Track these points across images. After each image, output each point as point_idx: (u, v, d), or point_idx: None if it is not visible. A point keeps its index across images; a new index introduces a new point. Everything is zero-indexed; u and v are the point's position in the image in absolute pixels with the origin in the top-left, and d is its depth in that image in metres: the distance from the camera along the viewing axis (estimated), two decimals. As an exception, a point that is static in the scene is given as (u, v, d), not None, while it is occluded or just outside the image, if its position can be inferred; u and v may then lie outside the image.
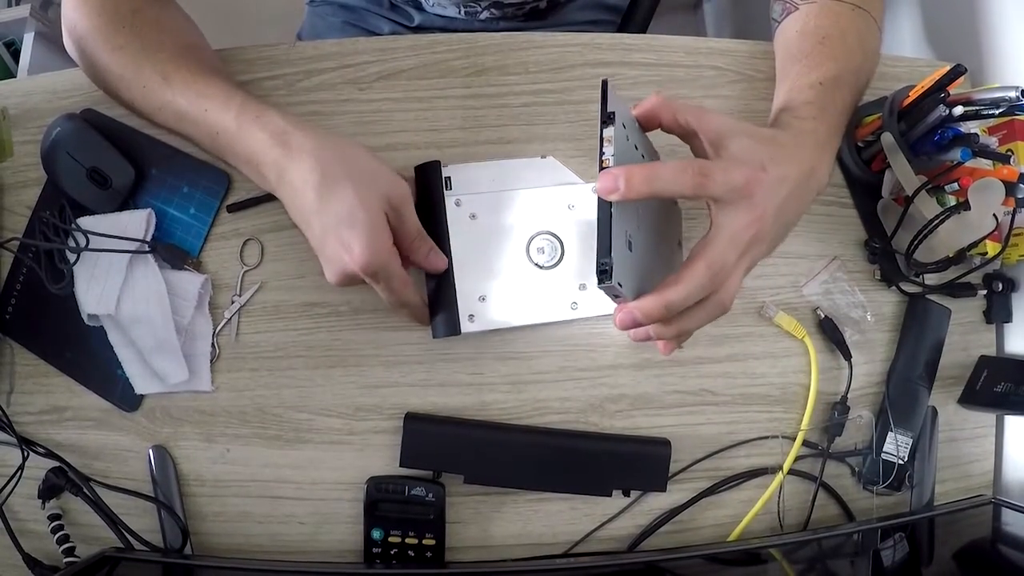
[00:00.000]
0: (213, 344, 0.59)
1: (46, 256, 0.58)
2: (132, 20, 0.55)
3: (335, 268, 0.49)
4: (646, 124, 0.48)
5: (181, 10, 0.60)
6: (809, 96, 0.53)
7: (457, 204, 0.57)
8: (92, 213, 0.59)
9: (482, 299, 0.56)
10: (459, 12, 0.79)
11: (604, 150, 0.44)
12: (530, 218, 0.57)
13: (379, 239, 0.48)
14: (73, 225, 0.58)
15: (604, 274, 0.43)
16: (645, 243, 0.49)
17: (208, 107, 0.52)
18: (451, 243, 0.56)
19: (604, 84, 0.45)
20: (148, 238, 0.59)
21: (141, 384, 0.59)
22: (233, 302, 0.60)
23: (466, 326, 0.56)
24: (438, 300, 0.57)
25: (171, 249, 0.59)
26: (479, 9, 0.78)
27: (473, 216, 0.57)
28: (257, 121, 0.50)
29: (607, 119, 0.44)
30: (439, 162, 0.58)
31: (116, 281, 0.57)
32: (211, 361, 0.59)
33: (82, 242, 0.58)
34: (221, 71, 0.56)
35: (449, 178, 0.57)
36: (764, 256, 0.49)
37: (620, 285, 0.43)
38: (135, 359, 0.58)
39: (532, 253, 0.57)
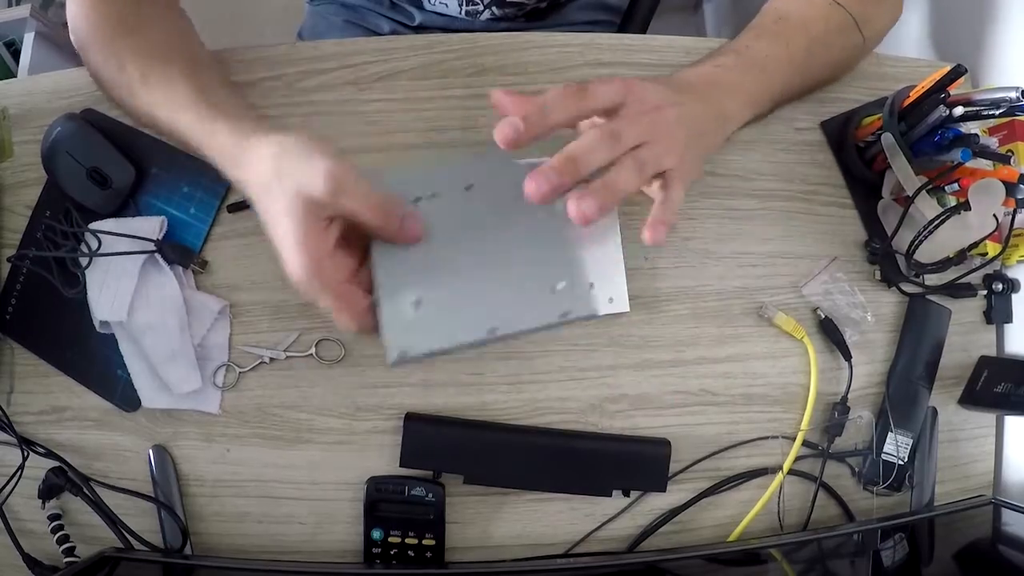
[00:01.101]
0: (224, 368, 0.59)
1: (56, 262, 0.59)
2: (124, 20, 0.55)
3: (288, 268, 0.43)
4: (533, 137, 0.42)
5: (178, 15, 0.60)
6: (721, 53, 0.56)
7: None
8: (93, 213, 0.59)
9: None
10: (460, 11, 0.79)
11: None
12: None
13: (302, 255, 0.41)
14: (81, 228, 0.58)
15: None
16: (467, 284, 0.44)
17: (176, 117, 0.52)
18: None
19: None
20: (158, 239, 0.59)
21: (148, 397, 0.59)
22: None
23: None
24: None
25: (177, 248, 0.59)
26: (480, 8, 0.78)
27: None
28: (210, 137, 0.50)
29: None
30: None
31: (128, 286, 0.58)
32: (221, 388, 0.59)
33: (92, 244, 0.58)
34: (199, 75, 0.54)
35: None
36: (683, 156, 0.46)
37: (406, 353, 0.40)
38: (145, 371, 0.58)
39: None
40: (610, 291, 0.48)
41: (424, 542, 0.58)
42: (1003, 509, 0.61)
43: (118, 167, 0.59)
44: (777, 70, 0.57)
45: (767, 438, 0.62)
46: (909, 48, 0.79)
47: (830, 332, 0.62)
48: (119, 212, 0.60)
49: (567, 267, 0.46)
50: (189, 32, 0.60)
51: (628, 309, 0.51)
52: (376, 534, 0.58)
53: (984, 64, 0.68)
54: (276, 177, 0.43)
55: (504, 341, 0.45)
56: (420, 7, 0.80)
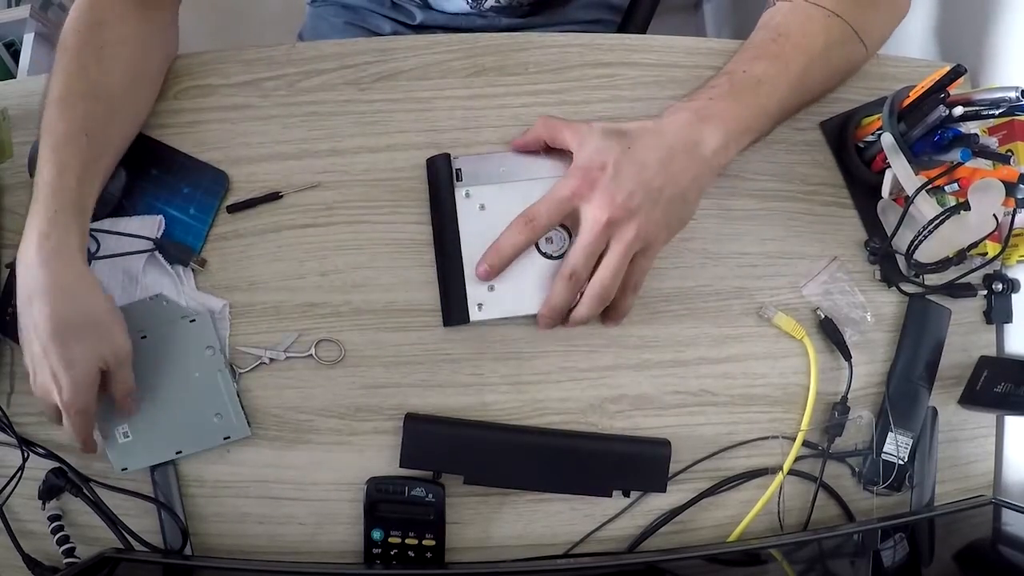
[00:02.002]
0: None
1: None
2: (88, 32, 0.55)
3: (42, 393, 0.52)
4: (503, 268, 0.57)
5: (159, 34, 0.60)
6: (721, 81, 0.57)
7: (467, 195, 0.58)
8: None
9: (491, 288, 0.57)
10: (466, 2, 0.78)
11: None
12: None
13: (85, 390, 0.51)
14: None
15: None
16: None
17: (43, 167, 0.52)
18: (461, 233, 0.57)
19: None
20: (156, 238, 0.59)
21: None
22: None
23: (475, 314, 0.57)
24: (448, 290, 0.58)
25: (177, 247, 0.59)
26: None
27: (482, 207, 0.58)
28: (46, 219, 0.51)
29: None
30: (449, 154, 0.59)
31: (131, 291, 0.58)
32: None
33: (91, 245, 0.58)
34: (94, 137, 0.54)
35: (459, 170, 0.58)
36: (656, 232, 0.53)
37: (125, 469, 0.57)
38: None
39: (540, 243, 0.57)
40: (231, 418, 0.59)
41: (424, 542, 0.58)
42: (1003, 509, 0.61)
43: (108, 172, 0.59)
44: (774, 92, 0.57)
45: (767, 438, 0.62)
46: (909, 48, 0.79)
47: (830, 332, 0.62)
48: (114, 215, 0.60)
49: (221, 402, 0.58)
50: (156, 60, 0.60)
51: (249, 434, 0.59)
52: (376, 534, 0.58)
53: (984, 64, 0.68)
54: (82, 327, 0.51)
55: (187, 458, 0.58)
56: (424, 7, 0.80)
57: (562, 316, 0.56)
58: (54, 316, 0.50)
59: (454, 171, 0.58)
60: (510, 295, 0.57)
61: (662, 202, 0.53)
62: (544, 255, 0.57)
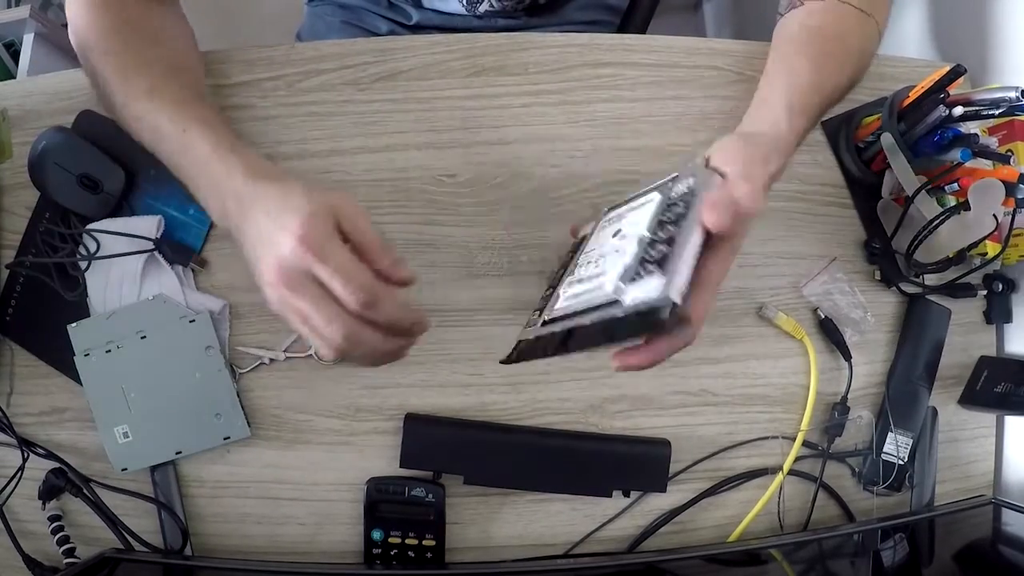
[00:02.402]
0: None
1: (56, 266, 0.59)
2: (128, 29, 0.54)
3: (273, 259, 0.42)
4: None
5: (181, 22, 0.60)
6: (806, 101, 0.54)
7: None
8: (87, 219, 0.59)
9: None
10: (461, 4, 0.78)
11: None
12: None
13: (318, 218, 0.42)
14: (78, 229, 0.58)
15: None
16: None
17: (187, 127, 0.51)
18: None
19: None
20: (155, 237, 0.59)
21: None
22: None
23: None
24: None
25: (176, 247, 0.59)
26: (479, 1, 0.78)
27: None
28: (232, 151, 0.49)
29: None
30: None
31: (131, 290, 0.58)
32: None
33: (91, 245, 0.58)
34: (205, 97, 0.56)
35: None
36: None
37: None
38: None
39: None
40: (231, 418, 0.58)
41: (424, 543, 0.58)
42: (1003, 509, 0.61)
43: (107, 171, 0.59)
44: (821, 100, 0.55)
45: (767, 438, 0.62)
46: (909, 48, 0.79)
47: (830, 332, 0.62)
48: (113, 216, 0.60)
49: (221, 402, 0.58)
50: (187, 45, 0.59)
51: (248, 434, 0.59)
52: (376, 535, 0.58)
53: (984, 64, 0.68)
54: (304, 190, 0.44)
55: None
56: (417, 6, 0.80)
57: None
58: (281, 198, 0.44)
59: None
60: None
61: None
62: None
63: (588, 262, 0.48)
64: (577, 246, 0.53)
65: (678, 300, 0.37)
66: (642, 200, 0.49)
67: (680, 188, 0.46)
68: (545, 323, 0.47)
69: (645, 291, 0.39)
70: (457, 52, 0.63)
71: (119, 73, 0.54)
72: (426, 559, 0.58)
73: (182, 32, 0.59)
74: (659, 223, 0.44)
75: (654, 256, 0.41)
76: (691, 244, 0.40)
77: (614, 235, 0.47)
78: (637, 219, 0.47)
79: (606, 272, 0.44)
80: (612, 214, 0.51)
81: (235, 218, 0.47)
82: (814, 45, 0.57)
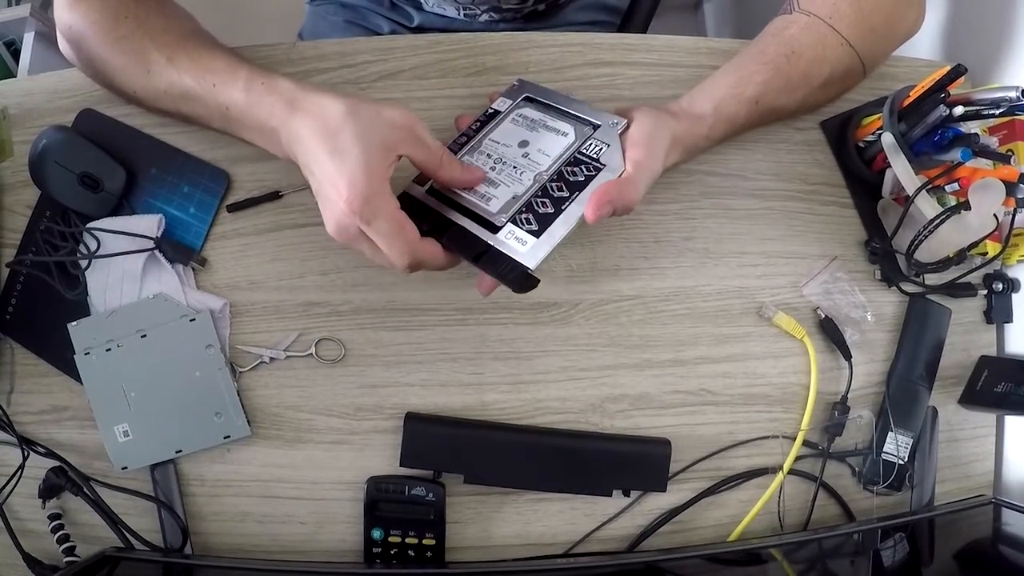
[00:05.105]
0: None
1: (56, 264, 0.59)
2: (135, 11, 0.54)
3: (330, 214, 0.47)
4: None
5: (178, 4, 0.60)
6: (736, 111, 0.57)
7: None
8: (88, 218, 0.59)
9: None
10: (458, 13, 0.79)
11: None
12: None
13: (366, 176, 0.45)
14: (79, 228, 0.58)
15: None
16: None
17: (216, 81, 0.51)
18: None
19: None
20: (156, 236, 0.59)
21: None
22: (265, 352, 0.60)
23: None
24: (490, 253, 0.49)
25: (177, 246, 0.59)
26: (478, 12, 0.78)
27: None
28: (264, 88, 0.50)
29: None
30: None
31: (132, 290, 0.58)
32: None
33: (91, 244, 0.58)
34: (224, 47, 0.56)
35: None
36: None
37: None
38: None
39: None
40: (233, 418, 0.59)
41: (424, 542, 0.58)
42: (1003, 509, 0.61)
43: (108, 170, 0.59)
44: (754, 111, 0.58)
45: (767, 438, 0.62)
46: (909, 48, 0.79)
47: (830, 332, 0.62)
48: (114, 215, 0.60)
49: (221, 401, 0.58)
50: (194, 19, 0.59)
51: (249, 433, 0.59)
52: (376, 534, 0.58)
53: (984, 64, 0.68)
54: (351, 116, 0.46)
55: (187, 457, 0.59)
56: (419, 8, 0.81)
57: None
58: (326, 131, 0.46)
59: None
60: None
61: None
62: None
63: (489, 155, 0.54)
64: (489, 117, 0.57)
65: (532, 267, 0.47)
66: (559, 125, 0.54)
67: (593, 147, 0.52)
68: (432, 192, 0.53)
69: (513, 246, 0.48)
70: (458, 51, 0.63)
71: (136, 52, 0.54)
72: (426, 558, 0.58)
73: (185, 13, 0.59)
74: (559, 173, 0.51)
75: (539, 209, 0.49)
76: (570, 218, 0.48)
77: (519, 144, 0.54)
78: (546, 147, 0.53)
79: (498, 187, 0.51)
80: (527, 111, 0.56)
81: (299, 156, 0.49)
82: (778, 60, 0.57)
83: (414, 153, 0.49)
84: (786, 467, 0.61)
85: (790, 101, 0.59)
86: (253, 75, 0.51)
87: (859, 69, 0.59)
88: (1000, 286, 0.64)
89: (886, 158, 0.58)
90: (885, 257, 0.63)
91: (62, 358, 0.59)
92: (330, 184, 0.46)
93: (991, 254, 0.61)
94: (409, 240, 0.47)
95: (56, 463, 0.58)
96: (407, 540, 0.58)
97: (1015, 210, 0.57)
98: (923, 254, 0.60)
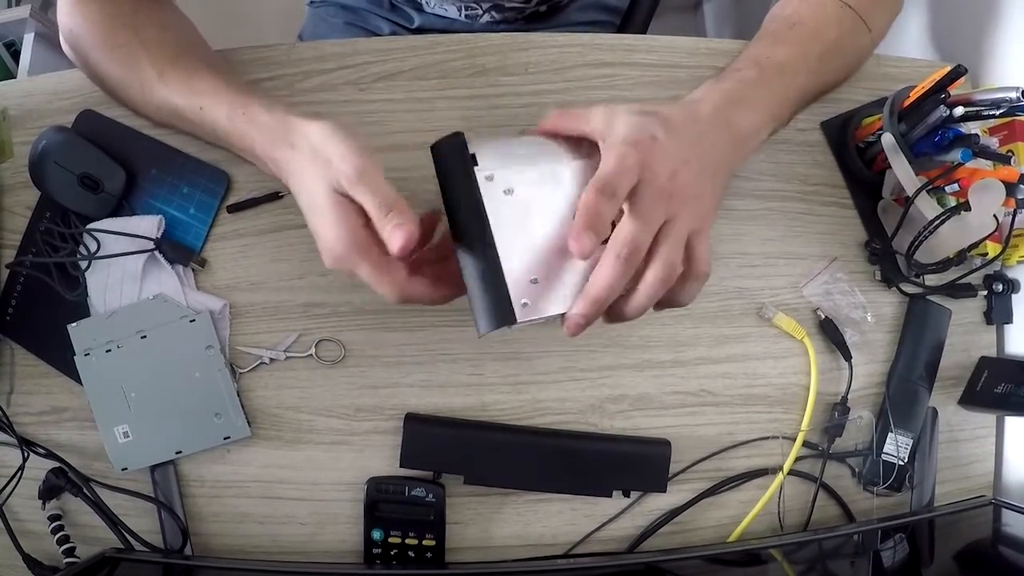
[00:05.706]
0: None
1: (56, 265, 0.59)
2: (132, 19, 0.55)
3: (320, 244, 0.46)
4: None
5: (179, 10, 0.60)
6: (746, 64, 0.55)
7: (489, 179, 0.47)
8: (88, 219, 0.59)
9: (534, 281, 0.46)
10: (459, 14, 0.79)
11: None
12: (575, 192, 0.48)
13: (339, 233, 0.44)
14: (79, 228, 0.58)
15: None
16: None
17: (202, 104, 0.52)
18: (491, 221, 0.46)
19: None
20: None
21: None
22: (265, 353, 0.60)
23: (521, 313, 0.45)
24: (484, 288, 0.46)
25: (177, 246, 0.59)
26: (480, 12, 0.78)
27: (509, 191, 0.47)
28: (245, 118, 0.50)
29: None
30: (461, 133, 0.47)
31: (132, 290, 0.58)
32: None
33: (91, 245, 0.58)
34: (217, 66, 0.56)
35: (474, 154, 0.47)
36: (704, 211, 0.46)
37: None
38: None
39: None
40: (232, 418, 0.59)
41: (424, 542, 0.58)
42: (1003, 509, 0.61)
43: (108, 171, 0.59)
44: (795, 79, 0.56)
45: (767, 438, 0.62)
46: (909, 48, 0.79)
47: (830, 332, 0.62)
48: (114, 215, 0.60)
49: (221, 402, 0.58)
50: (192, 27, 0.60)
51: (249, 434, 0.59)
52: (376, 534, 0.58)
53: (984, 64, 0.68)
54: (314, 158, 0.46)
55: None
56: (419, 10, 0.81)
57: (603, 309, 0.44)
58: (296, 174, 0.47)
59: (468, 156, 0.47)
60: (556, 290, 0.46)
61: (707, 179, 0.47)
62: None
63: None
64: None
65: (516, 320, 0.44)
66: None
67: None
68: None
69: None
70: (458, 52, 0.63)
71: (130, 65, 0.54)
72: (426, 559, 0.58)
73: (183, 22, 0.59)
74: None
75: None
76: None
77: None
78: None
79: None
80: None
81: (286, 182, 0.49)
82: (781, 32, 0.58)
83: (360, 202, 0.45)
84: (786, 468, 0.61)
85: (809, 74, 0.57)
86: (235, 103, 0.51)
87: (862, 28, 0.60)
88: (1000, 287, 0.64)
89: (886, 159, 0.58)
90: (885, 258, 0.63)
91: (62, 359, 0.59)
92: (314, 230, 0.46)
93: (991, 255, 0.61)
94: (395, 281, 0.45)
95: (56, 464, 0.58)
96: (407, 541, 0.58)
97: (1015, 211, 0.57)
98: (923, 255, 0.60)
